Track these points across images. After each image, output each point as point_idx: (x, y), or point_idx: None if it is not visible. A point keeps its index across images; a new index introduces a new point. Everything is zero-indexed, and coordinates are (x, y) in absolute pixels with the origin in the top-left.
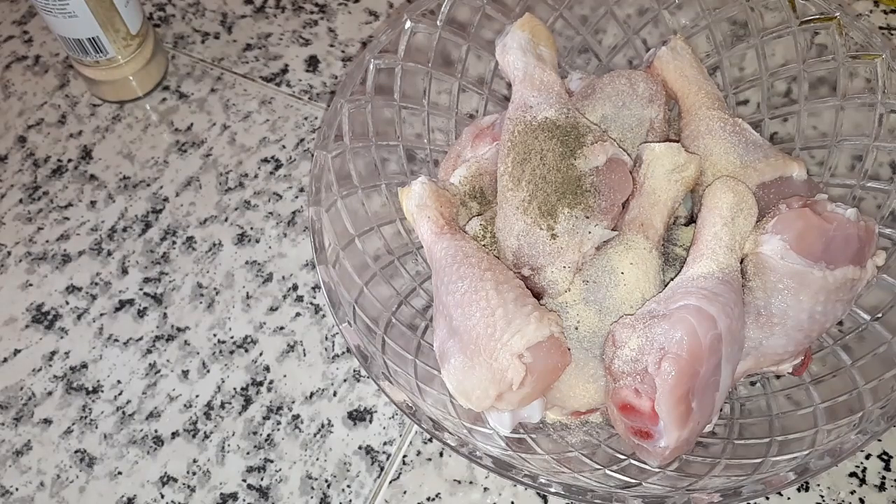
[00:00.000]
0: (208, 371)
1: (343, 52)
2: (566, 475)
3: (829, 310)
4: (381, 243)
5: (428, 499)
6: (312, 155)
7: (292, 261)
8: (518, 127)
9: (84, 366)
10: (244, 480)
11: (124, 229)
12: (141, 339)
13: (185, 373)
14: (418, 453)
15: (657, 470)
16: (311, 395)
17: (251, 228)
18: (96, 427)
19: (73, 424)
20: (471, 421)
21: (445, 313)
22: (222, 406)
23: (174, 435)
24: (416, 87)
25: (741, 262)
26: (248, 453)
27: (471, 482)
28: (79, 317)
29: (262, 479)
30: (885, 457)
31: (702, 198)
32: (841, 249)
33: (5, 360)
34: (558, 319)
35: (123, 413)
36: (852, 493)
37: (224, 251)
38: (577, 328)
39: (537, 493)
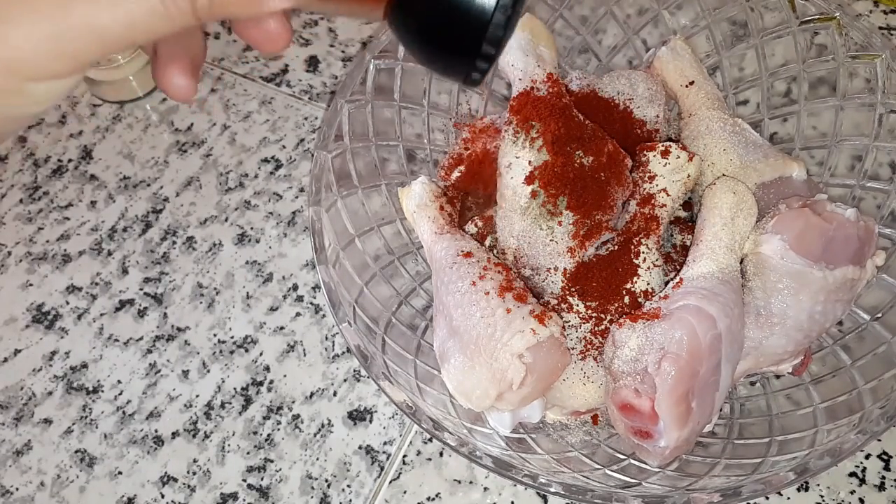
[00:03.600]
0: (208, 371)
1: (343, 52)
2: (566, 475)
3: (828, 310)
4: (381, 243)
5: (428, 499)
6: (312, 155)
7: (292, 261)
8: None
9: (84, 366)
10: (244, 480)
11: (124, 229)
12: (141, 339)
13: (186, 373)
14: (418, 453)
15: (657, 470)
16: (311, 395)
17: (251, 228)
18: (96, 427)
19: (74, 424)
20: (471, 421)
21: (445, 313)
22: (222, 406)
23: (174, 435)
24: (416, 87)
25: (741, 262)
26: (248, 453)
27: (471, 482)
28: (79, 317)
29: (262, 479)
30: (884, 457)
31: (702, 198)
32: (840, 249)
33: (5, 360)
34: (558, 319)
35: (123, 413)
36: (852, 492)
37: (224, 251)
38: (577, 328)
39: (537, 493)
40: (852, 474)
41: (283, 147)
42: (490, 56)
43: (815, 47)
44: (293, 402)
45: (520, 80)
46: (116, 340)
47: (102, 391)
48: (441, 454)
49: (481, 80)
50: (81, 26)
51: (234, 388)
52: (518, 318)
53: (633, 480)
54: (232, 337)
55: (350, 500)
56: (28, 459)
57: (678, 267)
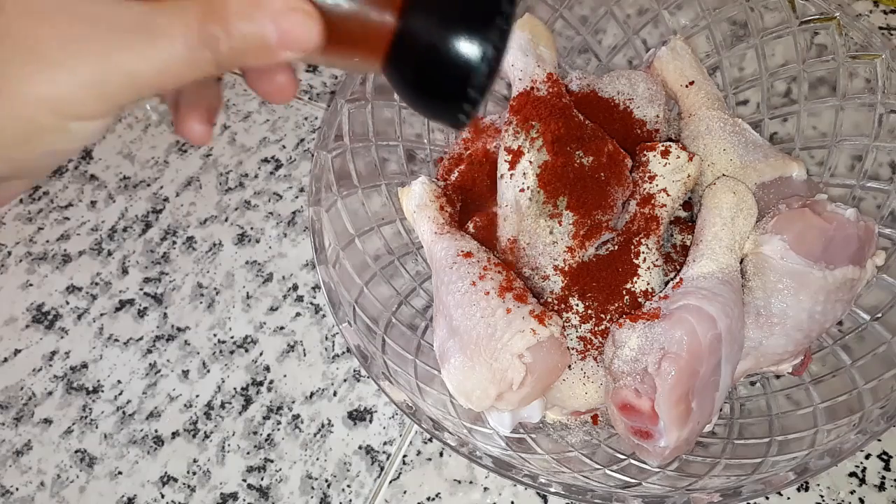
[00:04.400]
0: (208, 371)
1: None
2: (566, 475)
3: (828, 310)
4: (381, 243)
5: (428, 499)
6: (312, 155)
7: (292, 261)
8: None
9: (84, 366)
10: (244, 480)
11: (124, 229)
12: (141, 339)
13: (186, 373)
14: (418, 453)
15: (657, 470)
16: (311, 395)
17: (251, 228)
18: (96, 427)
19: (74, 424)
20: (471, 421)
21: (445, 313)
22: (222, 406)
23: (174, 435)
24: None
25: (741, 262)
26: (248, 453)
27: (471, 482)
28: (79, 317)
29: (262, 479)
30: (884, 457)
31: (702, 198)
32: (840, 249)
33: (5, 360)
34: (558, 319)
35: (123, 413)
36: (852, 492)
37: (224, 251)
38: (577, 328)
39: (537, 493)
40: (852, 474)
41: (283, 147)
42: (475, 101)
43: (815, 47)
44: (293, 402)
45: (520, 80)
46: (116, 340)
47: (102, 391)
48: (441, 454)
49: (468, 122)
50: (119, 71)
51: (234, 388)
52: (518, 318)
53: (633, 480)
54: (232, 337)
55: (350, 500)
56: (28, 459)
57: (678, 267)
